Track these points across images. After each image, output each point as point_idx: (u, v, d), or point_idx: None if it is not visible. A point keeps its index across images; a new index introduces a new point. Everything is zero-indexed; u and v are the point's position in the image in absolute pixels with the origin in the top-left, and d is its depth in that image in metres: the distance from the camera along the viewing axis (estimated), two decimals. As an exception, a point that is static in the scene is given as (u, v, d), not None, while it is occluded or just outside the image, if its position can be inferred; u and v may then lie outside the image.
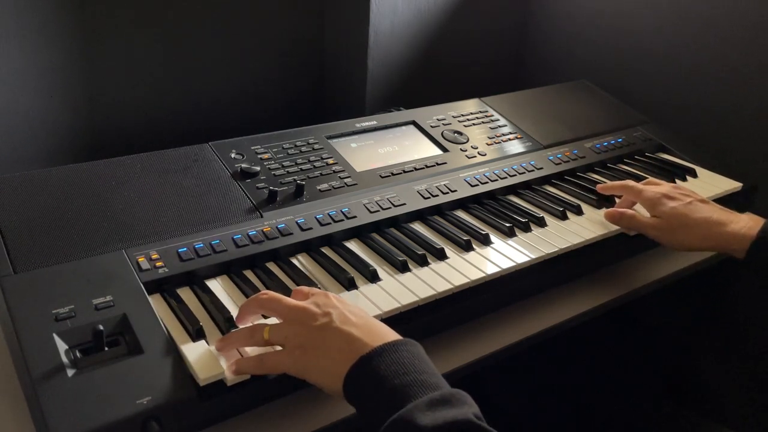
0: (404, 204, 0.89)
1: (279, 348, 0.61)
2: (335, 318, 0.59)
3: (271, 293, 0.64)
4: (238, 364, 0.61)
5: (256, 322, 0.65)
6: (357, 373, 0.54)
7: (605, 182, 1.04)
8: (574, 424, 0.92)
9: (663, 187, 0.91)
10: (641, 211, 0.92)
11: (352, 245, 0.83)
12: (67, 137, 1.14)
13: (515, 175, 1.01)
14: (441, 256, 0.80)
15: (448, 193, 0.93)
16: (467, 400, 0.52)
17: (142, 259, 0.71)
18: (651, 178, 0.97)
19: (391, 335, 0.59)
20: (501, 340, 0.78)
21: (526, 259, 0.82)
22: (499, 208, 0.93)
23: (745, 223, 0.81)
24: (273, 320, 0.65)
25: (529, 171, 1.02)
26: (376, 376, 0.53)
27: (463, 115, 1.12)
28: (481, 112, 1.15)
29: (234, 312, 0.67)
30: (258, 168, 0.88)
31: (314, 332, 0.58)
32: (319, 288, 0.73)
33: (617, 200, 0.97)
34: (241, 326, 0.65)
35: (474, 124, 1.10)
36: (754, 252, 0.78)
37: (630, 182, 0.94)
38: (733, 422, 0.88)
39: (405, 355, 0.55)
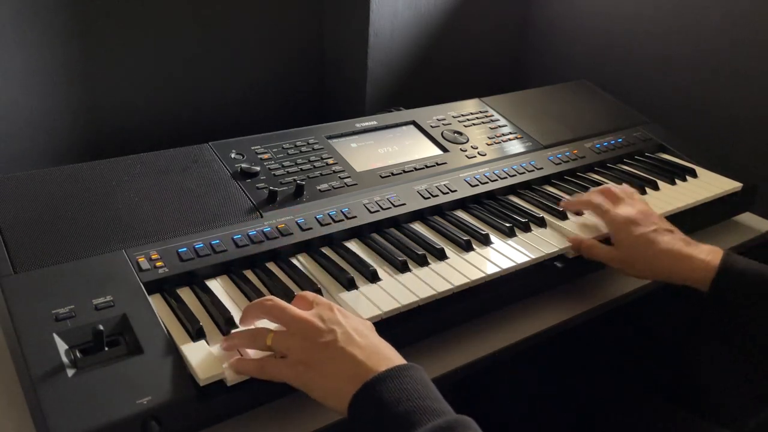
0: (404, 204, 0.89)
1: (280, 355, 0.61)
2: (339, 337, 0.58)
3: (276, 300, 0.63)
4: (238, 364, 0.61)
5: (259, 325, 0.65)
6: (361, 399, 0.54)
7: (606, 182, 1.04)
8: (573, 424, 0.92)
9: (629, 209, 0.85)
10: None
11: (352, 245, 0.83)
12: (67, 138, 1.14)
13: (515, 175, 1.01)
14: (441, 256, 0.80)
15: (448, 193, 0.93)
16: (471, 425, 0.51)
17: (142, 259, 0.71)
18: (614, 190, 0.90)
19: (394, 358, 0.59)
20: (501, 340, 0.78)
21: (526, 259, 0.82)
22: (499, 208, 0.93)
23: (706, 255, 0.78)
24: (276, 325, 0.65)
25: (529, 171, 1.02)
26: (379, 403, 0.53)
27: (463, 115, 1.12)
28: (481, 112, 1.15)
29: (234, 312, 0.68)
30: (258, 168, 0.88)
31: (318, 350, 0.58)
32: (320, 288, 0.73)
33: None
34: (243, 328, 0.65)
35: (474, 124, 1.10)
36: (717, 284, 0.76)
37: (595, 199, 0.88)
38: (733, 424, 0.88)
39: (408, 380, 0.55)
